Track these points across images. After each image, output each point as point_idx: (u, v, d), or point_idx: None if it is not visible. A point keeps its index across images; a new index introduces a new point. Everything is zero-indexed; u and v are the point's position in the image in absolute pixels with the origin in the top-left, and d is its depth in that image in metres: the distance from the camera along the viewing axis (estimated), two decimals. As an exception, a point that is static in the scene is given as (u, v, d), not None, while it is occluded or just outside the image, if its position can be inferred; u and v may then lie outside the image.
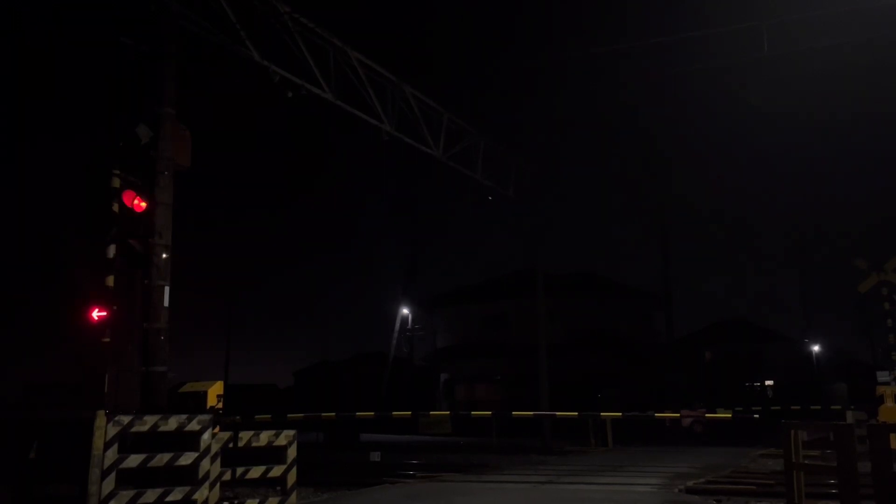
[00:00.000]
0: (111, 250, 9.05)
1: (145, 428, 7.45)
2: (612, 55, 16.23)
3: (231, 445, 8.09)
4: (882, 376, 16.15)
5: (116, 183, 9.16)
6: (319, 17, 13.10)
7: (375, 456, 17.96)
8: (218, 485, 7.82)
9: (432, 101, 16.45)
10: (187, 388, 9.28)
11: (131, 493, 7.20)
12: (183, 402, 8.97)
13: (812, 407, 22.62)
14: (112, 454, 7.10)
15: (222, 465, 7.93)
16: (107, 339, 8.82)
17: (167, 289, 9.48)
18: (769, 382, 34.17)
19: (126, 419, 7.32)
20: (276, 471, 8.42)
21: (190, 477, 7.62)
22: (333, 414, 19.58)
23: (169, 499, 7.40)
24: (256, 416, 17.38)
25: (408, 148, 16.25)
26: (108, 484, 7.03)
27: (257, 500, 8.32)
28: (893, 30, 13.81)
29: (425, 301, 41.27)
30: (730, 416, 18.85)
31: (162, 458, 7.45)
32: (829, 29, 14.28)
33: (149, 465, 7.37)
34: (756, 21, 14.65)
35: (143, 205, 9.38)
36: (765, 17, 14.72)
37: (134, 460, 7.27)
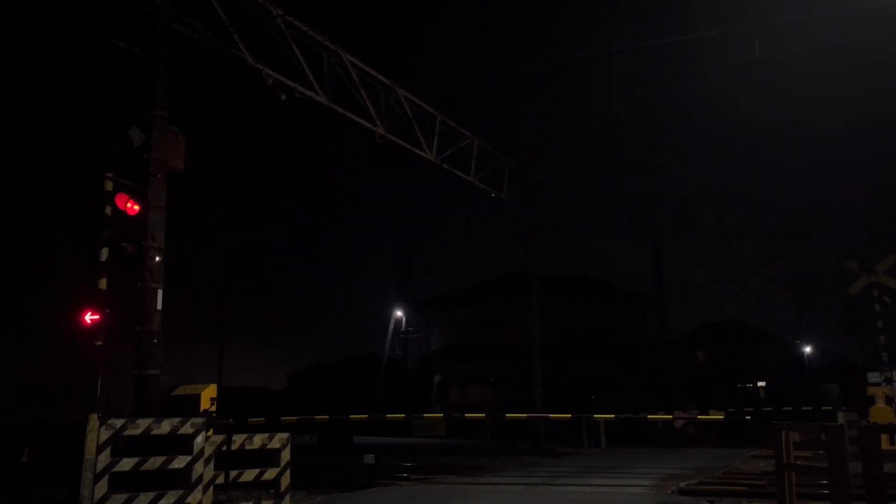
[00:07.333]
0: (104, 253, 9.03)
1: (138, 431, 7.44)
2: (603, 58, 16.32)
3: (224, 448, 8.09)
4: (873, 377, 16.27)
5: (109, 186, 9.14)
6: (312, 19, 13.10)
7: (369, 458, 17.94)
8: (211, 488, 7.81)
9: (425, 103, 16.46)
10: (180, 391, 9.26)
11: (124, 496, 7.18)
12: (176, 406, 8.95)
13: (803, 408, 22.73)
14: (105, 458, 7.09)
15: (216, 469, 7.93)
16: (99, 343, 8.79)
17: (160, 292, 9.46)
18: (761, 383, 34.23)
19: (119, 422, 7.30)
20: (270, 474, 8.42)
21: (183, 480, 7.62)
22: (327, 416, 19.56)
23: (162, 502, 7.39)
24: (250, 419, 17.34)
25: (401, 150, 16.28)
26: (101, 488, 7.02)
27: None
28: (883, 33, 13.93)
29: (419, 303, 41.29)
30: (722, 417, 18.93)
31: (155, 462, 7.44)
32: (819, 33, 14.39)
33: (142, 468, 7.36)
34: (747, 25, 14.76)
35: (136, 208, 9.36)
36: (755, 21, 14.83)
37: (127, 464, 7.26)
